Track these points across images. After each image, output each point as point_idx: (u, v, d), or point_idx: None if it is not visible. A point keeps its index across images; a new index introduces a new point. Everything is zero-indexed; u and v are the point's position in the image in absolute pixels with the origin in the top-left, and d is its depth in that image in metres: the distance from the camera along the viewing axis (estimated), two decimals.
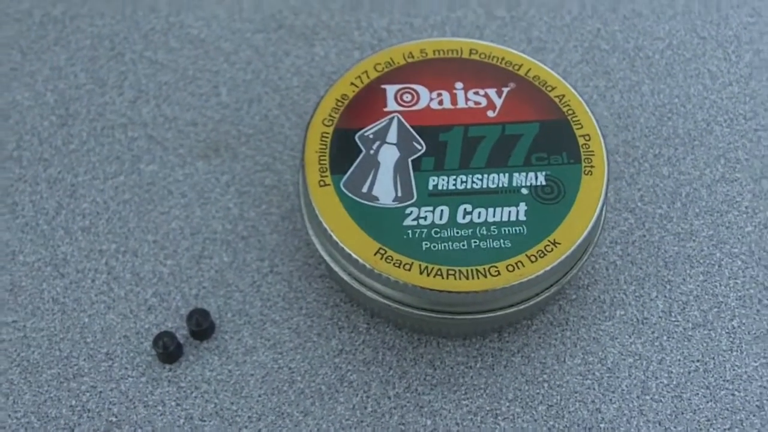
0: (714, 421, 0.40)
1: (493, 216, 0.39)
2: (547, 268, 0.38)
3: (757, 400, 0.41)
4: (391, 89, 0.43)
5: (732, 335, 0.42)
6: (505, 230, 0.39)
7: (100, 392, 0.40)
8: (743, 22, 0.53)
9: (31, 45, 0.51)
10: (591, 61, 0.51)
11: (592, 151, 0.41)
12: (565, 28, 0.52)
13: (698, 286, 0.44)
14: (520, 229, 0.39)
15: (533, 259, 0.38)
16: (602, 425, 0.40)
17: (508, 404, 0.40)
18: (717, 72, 0.51)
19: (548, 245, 0.39)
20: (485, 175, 0.40)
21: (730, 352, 0.42)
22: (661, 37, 0.52)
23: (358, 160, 0.41)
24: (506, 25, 0.52)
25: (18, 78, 0.50)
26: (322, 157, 0.41)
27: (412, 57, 0.44)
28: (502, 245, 0.39)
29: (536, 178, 0.40)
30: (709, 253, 0.45)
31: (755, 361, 0.42)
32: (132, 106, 0.49)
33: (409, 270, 0.38)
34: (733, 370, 0.41)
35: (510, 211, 0.39)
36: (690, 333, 0.42)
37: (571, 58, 0.51)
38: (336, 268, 0.40)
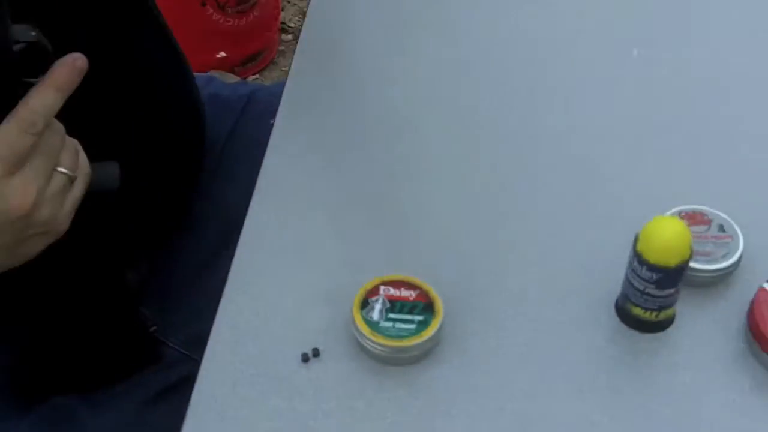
0: None
1: (406, 326, 1.34)
2: (419, 342, 1.33)
3: None
4: (383, 288, 1.39)
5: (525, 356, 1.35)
6: (407, 330, 1.34)
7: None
8: None
9: None
10: (458, 273, 1.46)
11: (438, 310, 1.36)
12: (448, 257, 1.47)
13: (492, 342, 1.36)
14: (413, 329, 1.34)
15: (416, 338, 1.33)
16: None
17: (412, 396, 1.33)
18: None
19: (420, 336, 1.33)
20: (407, 316, 1.36)
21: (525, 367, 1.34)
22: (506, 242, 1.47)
23: (367, 308, 1.37)
24: (421, 257, 1.48)
25: None
26: (357, 308, 1.37)
27: (392, 278, 1.40)
28: (407, 334, 1.33)
29: (420, 318, 1.35)
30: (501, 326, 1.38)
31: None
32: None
33: (380, 338, 1.33)
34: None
35: (412, 326, 1.34)
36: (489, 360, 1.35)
37: (448, 275, 1.46)
38: (358, 338, 1.35)
